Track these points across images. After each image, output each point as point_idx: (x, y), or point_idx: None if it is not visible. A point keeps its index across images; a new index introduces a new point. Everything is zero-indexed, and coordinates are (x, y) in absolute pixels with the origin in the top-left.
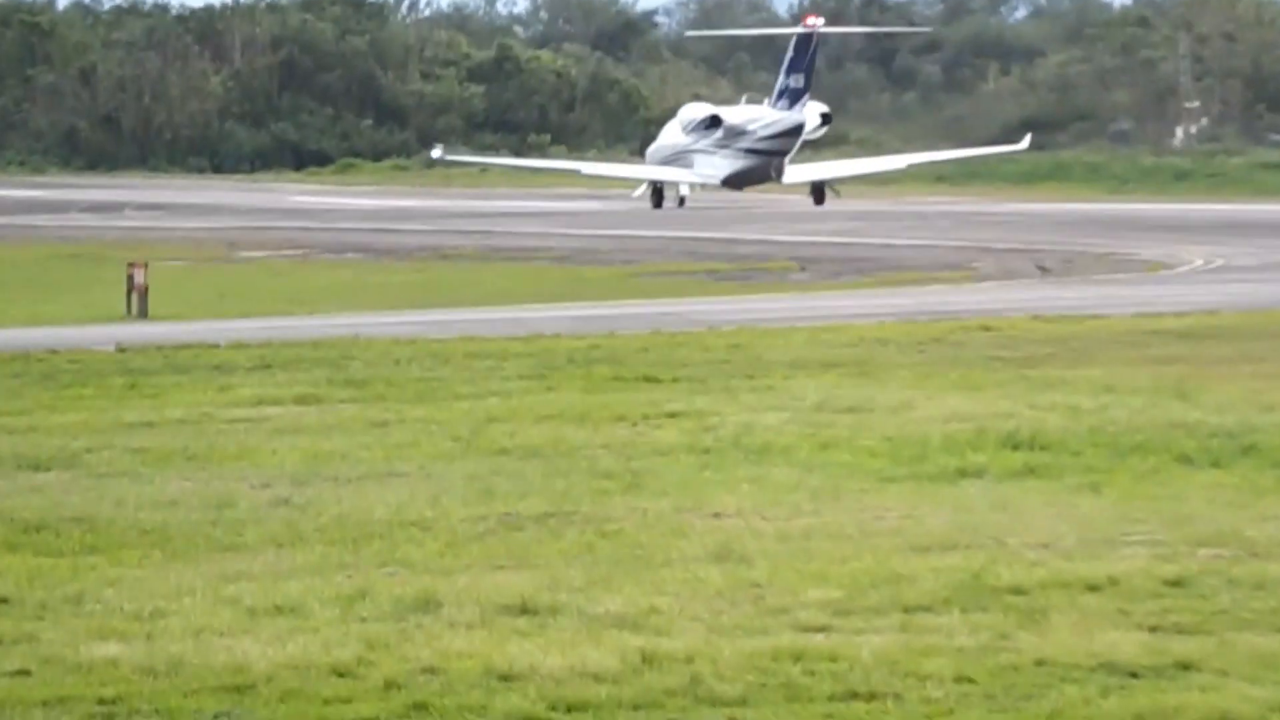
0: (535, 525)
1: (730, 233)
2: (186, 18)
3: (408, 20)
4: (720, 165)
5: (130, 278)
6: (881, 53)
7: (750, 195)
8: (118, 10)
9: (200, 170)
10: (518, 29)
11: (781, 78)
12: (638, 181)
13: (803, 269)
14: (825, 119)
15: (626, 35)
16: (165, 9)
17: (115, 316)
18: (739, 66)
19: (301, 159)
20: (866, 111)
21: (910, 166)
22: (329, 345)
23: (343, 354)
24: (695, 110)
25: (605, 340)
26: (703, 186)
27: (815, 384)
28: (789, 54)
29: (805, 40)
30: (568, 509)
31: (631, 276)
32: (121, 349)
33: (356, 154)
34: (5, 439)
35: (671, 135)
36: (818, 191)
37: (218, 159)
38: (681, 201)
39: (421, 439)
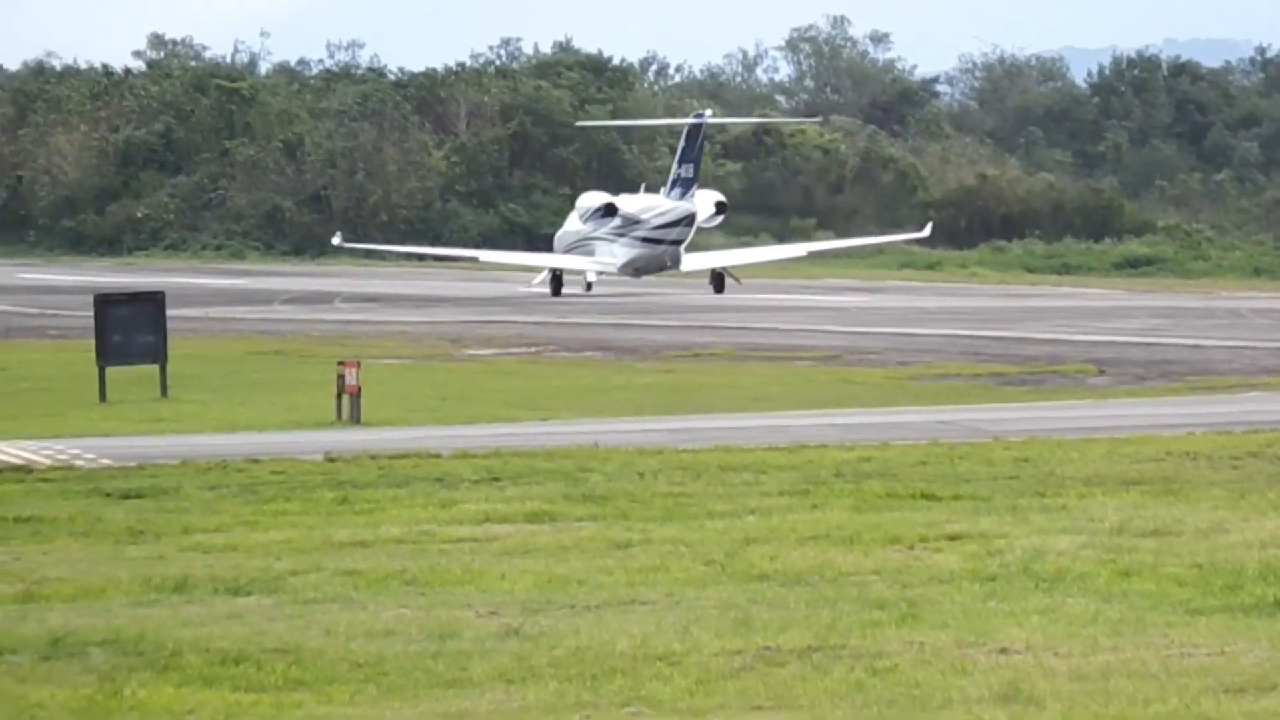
0: (798, 660)
1: (1018, 331)
2: (405, 84)
3: (655, 88)
4: (618, 253)
5: (340, 378)
6: (1193, 128)
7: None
8: (327, 75)
9: (420, 257)
10: (779, 99)
11: (674, 167)
12: (537, 269)
13: (1101, 372)
14: (720, 207)
15: (903, 107)
16: (381, 74)
17: (324, 421)
18: (1029, 143)
19: (534, 244)
20: (1174, 194)
21: (811, 255)
22: (565, 455)
23: (580, 465)
24: (591, 199)
25: (877, 452)
26: (601, 274)
27: (1115, 503)
28: (681, 143)
29: (695, 130)
30: (835, 642)
31: (906, 379)
32: (331, 458)
33: None
34: (201, 559)
35: (573, 223)
36: (717, 279)
37: (440, 244)
38: (589, 287)
39: (669, 562)
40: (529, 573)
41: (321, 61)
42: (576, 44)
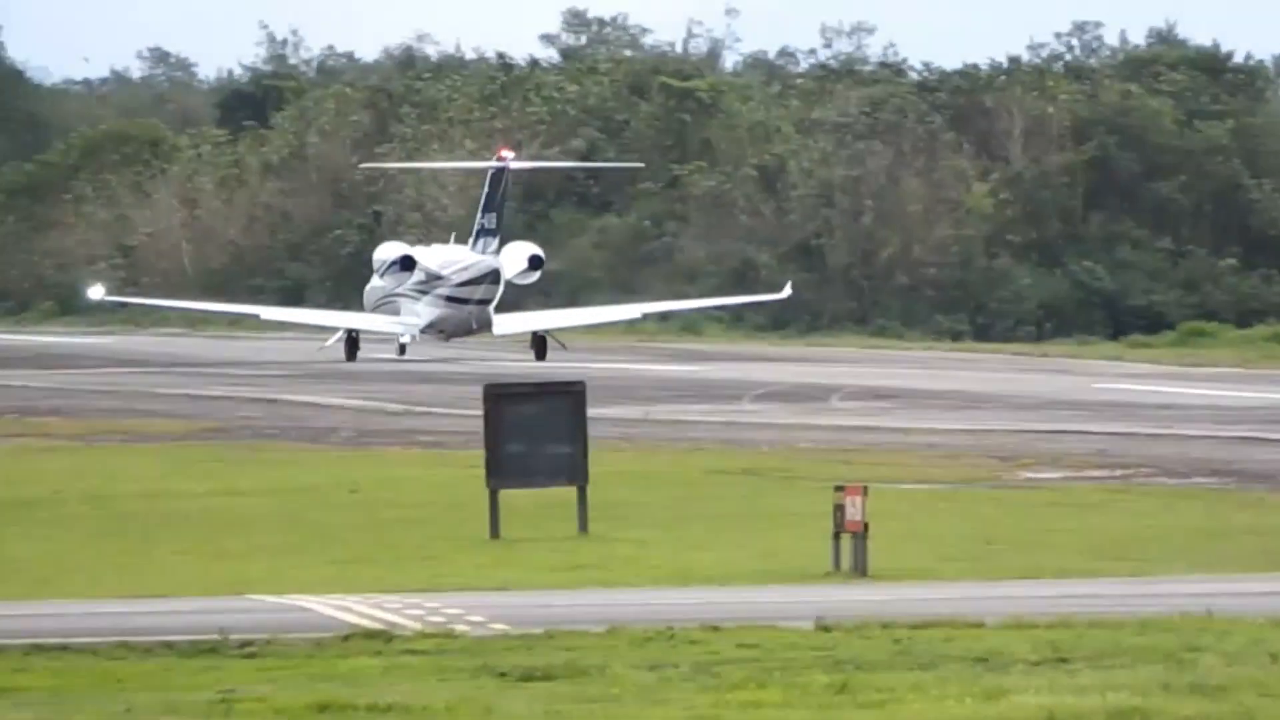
0: None
1: None
2: (934, 87)
3: None
4: (422, 313)
5: (839, 510)
6: None
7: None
8: (822, 73)
9: (955, 335)
10: None
11: (478, 216)
12: (330, 330)
13: None
14: (534, 262)
15: None
16: (899, 72)
17: (815, 572)
18: None
19: (1119, 320)
20: None
21: (645, 317)
22: (1164, 626)
23: (1186, 641)
24: (387, 250)
25: None
26: (411, 336)
27: None
28: (484, 190)
29: (498, 175)
30: None
31: None
32: (824, 626)
33: (1210, 314)
34: None
35: (376, 278)
36: (539, 344)
37: (985, 317)
38: (402, 349)
39: None
40: None
41: (814, 53)
42: (1181, 33)
